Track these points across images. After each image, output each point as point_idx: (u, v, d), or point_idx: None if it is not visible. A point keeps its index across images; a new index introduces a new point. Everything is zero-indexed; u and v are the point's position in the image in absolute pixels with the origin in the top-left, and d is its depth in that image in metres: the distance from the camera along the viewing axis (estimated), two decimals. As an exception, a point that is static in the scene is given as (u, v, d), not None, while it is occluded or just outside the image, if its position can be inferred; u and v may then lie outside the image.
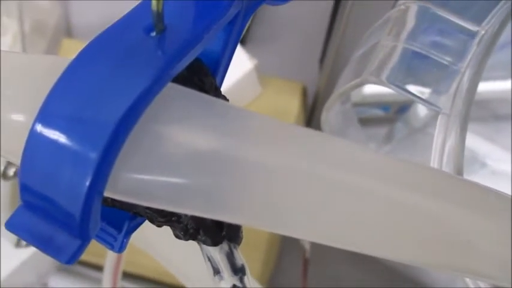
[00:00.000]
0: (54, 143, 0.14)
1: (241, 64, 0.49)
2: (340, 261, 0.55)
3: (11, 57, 0.17)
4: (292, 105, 0.53)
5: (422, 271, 0.48)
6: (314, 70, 0.57)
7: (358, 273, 0.55)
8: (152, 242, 0.33)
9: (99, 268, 0.47)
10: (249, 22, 0.19)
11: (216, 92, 0.17)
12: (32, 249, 0.44)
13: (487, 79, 0.44)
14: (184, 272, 0.32)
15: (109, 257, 0.34)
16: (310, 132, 0.16)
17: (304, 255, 0.53)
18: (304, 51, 0.59)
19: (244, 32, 0.19)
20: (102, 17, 0.58)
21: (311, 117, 0.57)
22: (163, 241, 0.32)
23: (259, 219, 0.15)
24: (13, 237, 0.42)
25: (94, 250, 0.49)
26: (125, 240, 0.18)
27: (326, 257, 0.55)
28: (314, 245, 0.50)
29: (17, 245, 0.42)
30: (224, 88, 0.56)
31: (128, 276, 0.49)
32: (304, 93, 0.55)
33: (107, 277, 0.33)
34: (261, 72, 0.52)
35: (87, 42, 0.15)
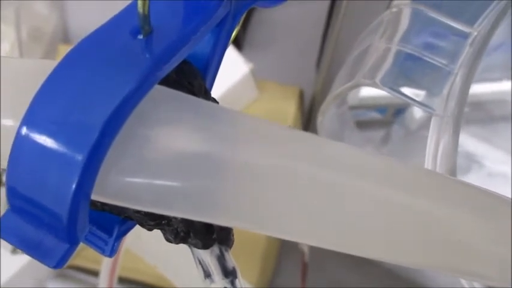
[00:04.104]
0: (40, 146, 0.14)
1: (237, 68, 0.49)
2: (340, 265, 0.55)
3: (1, 62, 0.17)
4: (290, 109, 0.53)
5: (421, 274, 0.48)
6: (311, 74, 0.57)
7: (357, 276, 0.55)
8: (148, 246, 0.33)
9: (96, 274, 0.47)
10: (239, 25, 0.19)
11: (205, 94, 0.17)
12: (29, 256, 0.44)
13: (483, 81, 0.44)
14: (178, 274, 0.32)
15: (105, 262, 0.34)
16: (301, 133, 0.16)
17: (303, 259, 0.53)
18: (300, 55, 0.59)
19: (235, 35, 0.19)
20: (99, 24, 0.58)
21: (308, 121, 0.57)
22: (157, 243, 0.32)
23: (249, 221, 0.15)
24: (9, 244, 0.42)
25: (91, 256, 0.49)
26: (115, 244, 0.18)
27: (325, 260, 0.54)
28: (313, 249, 0.50)
29: (13, 251, 0.42)
30: (220, 92, 0.55)
31: (125, 281, 0.49)
32: (301, 97, 0.55)
33: (102, 282, 0.33)
34: (258, 77, 0.52)
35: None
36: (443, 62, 0.25)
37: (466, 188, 0.16)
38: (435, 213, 0.15)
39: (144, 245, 0.33)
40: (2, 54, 0.58)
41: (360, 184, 0.15)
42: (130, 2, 0.16)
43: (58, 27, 0.63)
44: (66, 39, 0.63)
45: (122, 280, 0.47)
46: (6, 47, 0.60)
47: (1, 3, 0.58)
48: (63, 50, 0.58)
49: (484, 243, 0.16)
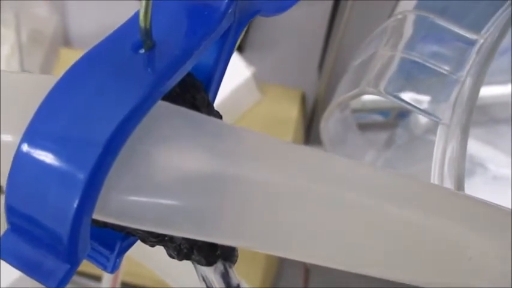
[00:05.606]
0: (40, 163, 0.13)
1: (238, 72, 0.48)
2: (341, 270, 0.54)
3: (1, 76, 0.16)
4: (292, 112, 0.53)
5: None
6: (313, 77, 0.57)
7: (359, 281, 0.54)
8: (148, 253, 0.33)
9: (97, 278, 0.46)
10: (243, 32, 0.19)
11: (208, 108, 0.17)
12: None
13: (487, 84, 0.44)
14: (181, 282, 0.32)
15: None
16: (305, 149, 0.16)
17: (305, 265, 0.52)
18: (302, 58, 0.59)
19: (238, 43, 0.19)
20: (100, 26, 0.58)
21: (310, 123, 0.57)
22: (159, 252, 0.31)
23: (253, 241, 0.15)
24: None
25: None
26: (117, 260, 0.17)
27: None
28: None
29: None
30: (222, 96, 0.55)
31: (126, 285, 0.48)
32: (303, 99, 0.55)
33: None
34: (260, 79, 0.51)
35: (84, 51, 0.14)
36: (449, 69, 0.25)
37: (474, 204, 0.16)
38: (446, 231, 0.15)
39: (146, 253, 0.32)
40: (2, 57, 0.58)
41: (368, 202, 0.15)
42: (131, 6, 0.15)
43: (58, 29, 0.62)
44: (66, 42, 0.63)
45: (122, 284, 0.47)
46: (6, 50, 0.59)
47: (1, 6, 0.57)
48: (64, 53, 0.58)
49: (494, 260, 0.15)
